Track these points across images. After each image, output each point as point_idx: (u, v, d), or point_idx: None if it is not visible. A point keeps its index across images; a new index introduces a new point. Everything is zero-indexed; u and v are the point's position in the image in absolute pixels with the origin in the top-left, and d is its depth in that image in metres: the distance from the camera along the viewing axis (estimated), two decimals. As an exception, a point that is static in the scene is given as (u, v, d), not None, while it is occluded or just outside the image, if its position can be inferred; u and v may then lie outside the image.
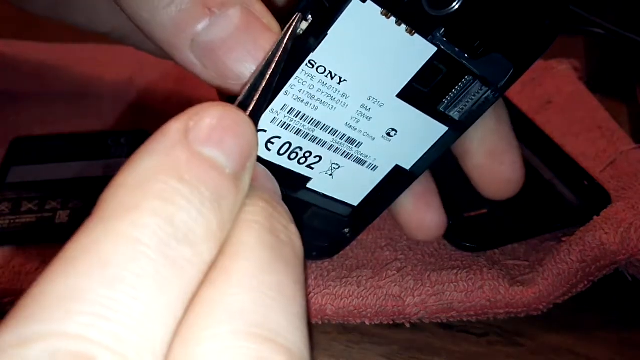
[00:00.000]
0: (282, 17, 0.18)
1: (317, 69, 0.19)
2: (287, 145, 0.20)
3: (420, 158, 0.23)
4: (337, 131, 0.21)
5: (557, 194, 0.32)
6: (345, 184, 0.23)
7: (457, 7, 0.18)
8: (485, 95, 0.22)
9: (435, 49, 0.19)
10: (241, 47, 0.17)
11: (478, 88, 0.21)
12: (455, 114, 0.22)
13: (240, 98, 0.17)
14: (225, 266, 0.13)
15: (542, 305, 0.27)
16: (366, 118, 0.21)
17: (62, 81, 0.39)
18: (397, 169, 0.23)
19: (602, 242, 0.27)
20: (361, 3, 0.17)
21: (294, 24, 0.17)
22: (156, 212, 0.12)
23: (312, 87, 0.19)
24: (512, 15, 0.20)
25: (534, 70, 0.22)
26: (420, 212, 0.26)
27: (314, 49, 0.18)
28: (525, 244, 0.30)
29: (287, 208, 0.16)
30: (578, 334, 0.27)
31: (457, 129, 0.23)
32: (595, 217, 0.28)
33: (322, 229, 0.25)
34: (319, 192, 0.23)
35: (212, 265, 0.13)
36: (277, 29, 0.18)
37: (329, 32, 0.18)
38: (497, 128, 0.25)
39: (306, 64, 0.18)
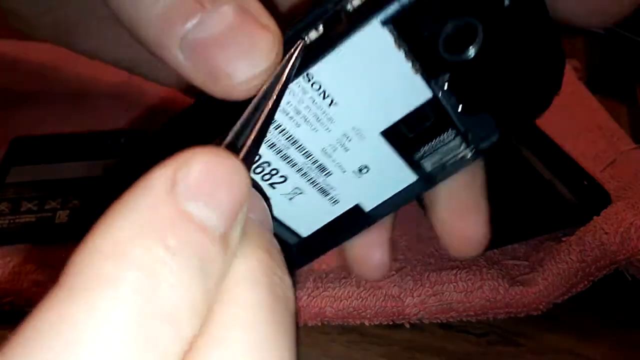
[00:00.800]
0: (285, 21, 0.17)
1: (312, 84, 0.18)
2: (257, 157, 0.19)
3: (383, 203, 0.22)
4: (311, 155, 0.20)
5: (557, 194, 0.32)
6: (301, 212, 0.22)
7: (472, 55, 0.17)
8: (463, 153, 0.21)
9: (431, 94, 0.18)
10: (235, 45, 0.16)
11: (457, 144, 0.21)
12: (427, 165, 0.21)
13: (231, 135, 0.15)
14: (218, 338, 0.12)
15: (542, 305, 0.27)
16: (344, 148, 0.20)
17: (61, 81, 0.39)
18: (357, 208, 0.22)
19: (602, 242, 0.27)
20: (380, 26, 0.16)
21: (296, 53, 0.16)
22: (136, 286, 0.11)
23: (301, 102, 0.18)
24: (517, 81, 0.19)
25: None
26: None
27: (316, 62, 0.17)
28: (525, 244, 0.30)
29: (279, 248, 0.15)
30: (578, 333, 0.27)
31: (426, 181, 0.22)
32: (595, 217, 0.28)
33: None
34: (272, 215, 0.22)
35: (199, 333, 0.12)
36: (274, 28, 0.17)
37: (337, 47, 0.17)
38: (468, 185, 0.24)
39: (303, 76, 0.18)
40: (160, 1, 0.16)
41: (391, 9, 0.16)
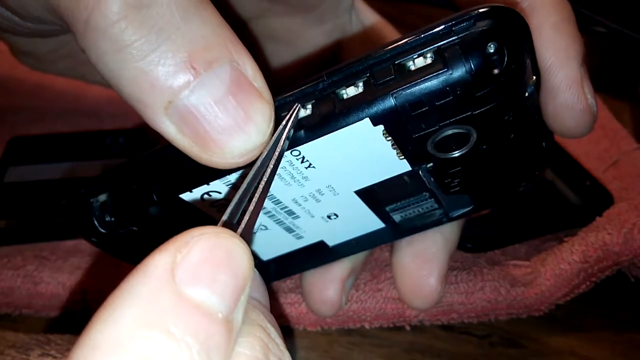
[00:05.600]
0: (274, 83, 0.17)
1: (292, 151, 0.17)
2: (224, 201, 0.19)
3: (346, 242, 0.22)
4: (281, 202, 0.20)
5: (559, 194, 0.31)
6: (264, 242, 0.22)
7: (458, 155, 0.17)
8: (435, 215, 0.21)
9: (412, 169, 0.18)
10: (228, 116, 0.15)
11: (430, 206, 0.21)
12: (397, 217, 0.21)
13: (229, 210, 0.15)
14: None
15: (544, 306, 0.27)
16: (315, 200, 0.19)
17: (59, 80, 0.39)
18: (321, 243, 0.22)
19: (604, 242, 0.26)
20: (370, 124, 0.16)
21: (291, 121, 0.16)
22: None
23: None
24: (498, 175, 0.19)
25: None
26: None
27: (301, 144, 0.17)
28: (527, 244, 0.29)
29: (276, 324, 0.15)
30: (580, 335, 0.27)
31: (393, 231, 0.22)
32: (597, 218, 0.28)
33: None
34: None
35: None
36: (269, 96, 0.16)
37: (325, 135, 0.16)
38: (435, 236, 0.24)
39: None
40: (148, 59, 0.14)
41: (384, 109, 0.16)
